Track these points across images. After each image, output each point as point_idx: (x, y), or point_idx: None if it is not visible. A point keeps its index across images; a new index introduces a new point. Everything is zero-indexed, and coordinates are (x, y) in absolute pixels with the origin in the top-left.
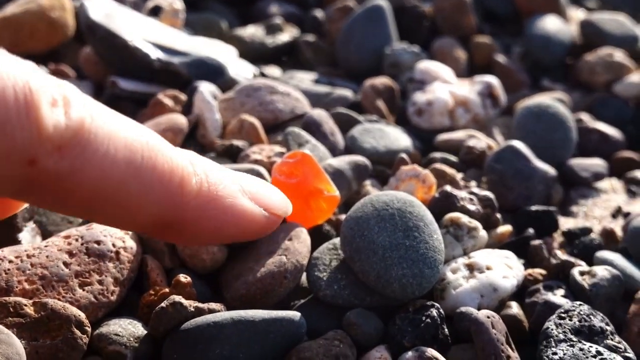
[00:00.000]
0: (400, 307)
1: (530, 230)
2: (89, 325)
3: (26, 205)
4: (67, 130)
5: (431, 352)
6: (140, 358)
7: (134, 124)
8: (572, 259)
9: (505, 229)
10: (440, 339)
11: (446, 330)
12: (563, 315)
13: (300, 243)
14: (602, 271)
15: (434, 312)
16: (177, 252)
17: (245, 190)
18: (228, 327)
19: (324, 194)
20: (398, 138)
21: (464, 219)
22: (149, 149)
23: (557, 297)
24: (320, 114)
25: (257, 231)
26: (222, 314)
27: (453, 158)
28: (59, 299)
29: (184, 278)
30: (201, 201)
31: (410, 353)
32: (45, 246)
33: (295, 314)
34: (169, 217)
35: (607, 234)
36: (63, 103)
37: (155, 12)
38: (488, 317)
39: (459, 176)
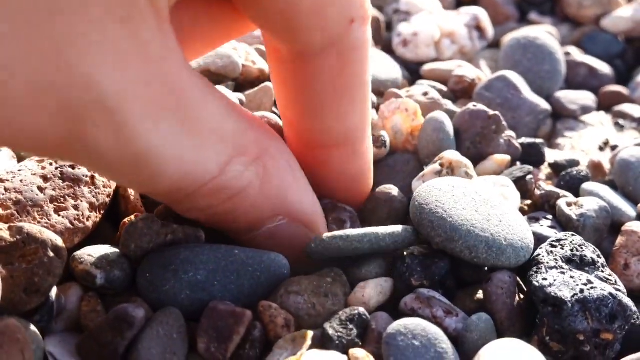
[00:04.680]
0: None
1: (518, 164)
2: (66, 250)
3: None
4: None
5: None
6: (112, 282)
7: None
8: (558, 190)
9: (503, 157)
10: (447, 285)
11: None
12: (555, 243)
13: None
14: (589, 202)
15: (445, 260)
16: None
17: None
18: (205, 253)
19: None
20: (387, 67)
21: (453, 158)
22: None
23: (544, 227)
24: None
25: None
26: (202, 246)
27: (442, 87)
28: (34, 225)
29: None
30: None
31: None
32: (19, 170)
33: (278, 255)
34: None
35: (595, 166)
36: None
37: None
38: None
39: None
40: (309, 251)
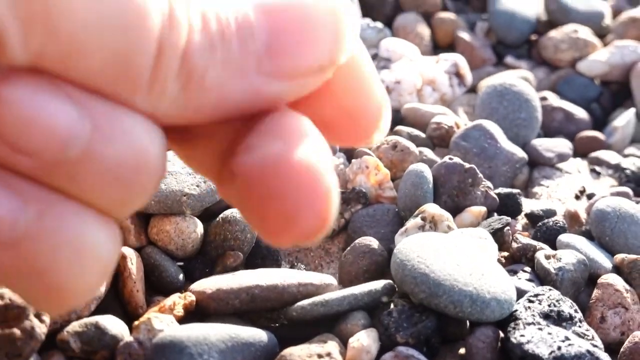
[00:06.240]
0: None
1: (495, 215)
2: (47, 315)
3: None
4: None
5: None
6: (87, 343)
7: None
8: (534, 243)
9: (479, 209)
10: (432, 344)
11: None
12: (532, 299)
13: None
14: (567, 255)
15: (432, 317)
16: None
17: None
18: (213, 335)
19: None
20: None
21: (435, 212)
22: None
23: (522, 281)
24: None
25: None
26: (207, 326)
27: (421, 134)
28: None
29: None
30: None
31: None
32: None
33: (271, 337)
34: None
35: (571, 216)
36: None
37: None
38: None
39: (426, 152)
40: (291, 317)
